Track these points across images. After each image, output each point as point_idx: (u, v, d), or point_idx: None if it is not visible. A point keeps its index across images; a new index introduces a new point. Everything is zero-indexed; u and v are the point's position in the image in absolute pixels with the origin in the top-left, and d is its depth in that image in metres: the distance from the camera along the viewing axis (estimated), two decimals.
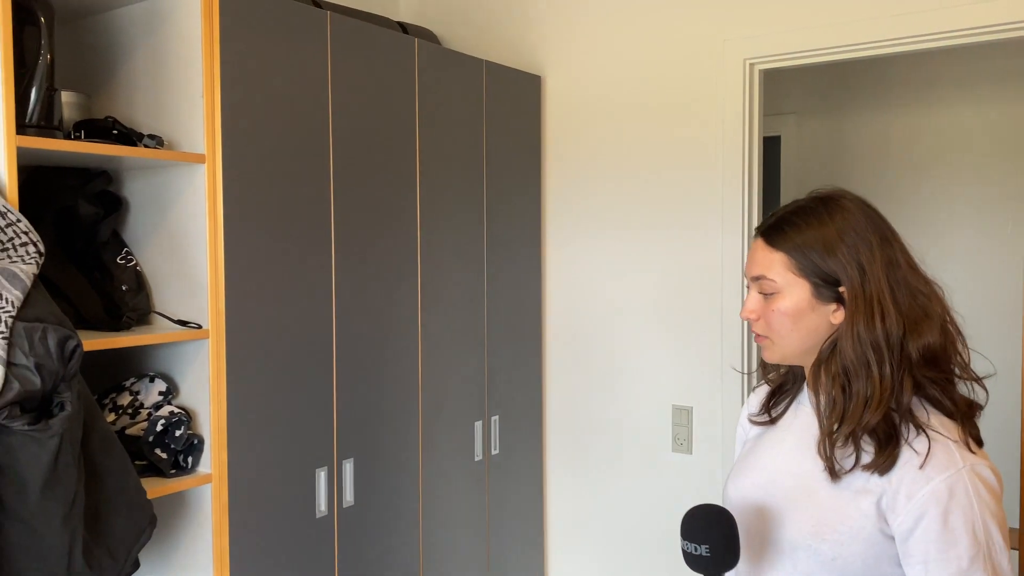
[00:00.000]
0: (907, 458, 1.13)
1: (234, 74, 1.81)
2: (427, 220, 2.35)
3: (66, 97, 1.74)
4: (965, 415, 1.18)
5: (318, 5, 2.25)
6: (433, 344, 2.39)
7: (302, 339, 1.99)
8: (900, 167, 3.72)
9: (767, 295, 1.24)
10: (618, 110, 2.70)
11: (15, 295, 1.36)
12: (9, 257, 1.42)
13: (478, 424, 2.58)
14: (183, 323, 1.81)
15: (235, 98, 1.81)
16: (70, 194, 1.84)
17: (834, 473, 1.18)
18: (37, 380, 1.35)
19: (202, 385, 1.83)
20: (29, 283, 1.38)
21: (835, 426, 1.18)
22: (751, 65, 2.49)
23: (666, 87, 2.61)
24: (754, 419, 1.38)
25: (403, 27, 2.63)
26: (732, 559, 1.15)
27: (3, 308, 1.34)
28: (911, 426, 1.15)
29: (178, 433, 1.77)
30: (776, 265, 1.23)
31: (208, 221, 1.80)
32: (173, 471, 1.78)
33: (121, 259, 1.90)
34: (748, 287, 1.27)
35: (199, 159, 1.78)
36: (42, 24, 1.56)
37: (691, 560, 1.16)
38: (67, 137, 1.69)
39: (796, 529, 1.20)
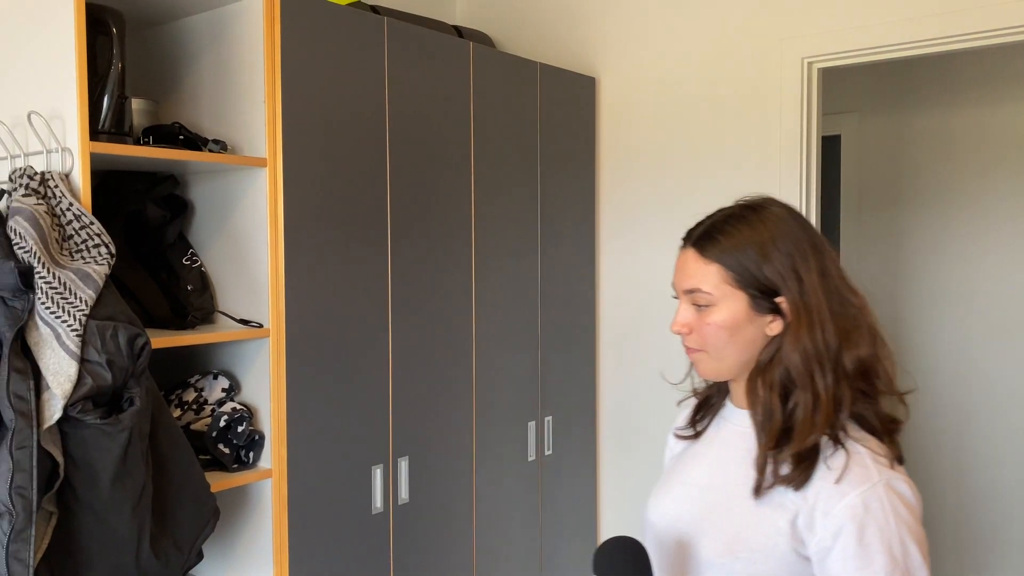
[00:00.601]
0: (822, 473, 1.09)
1: (295, 80, 1.85)
2: (481, 221, 2.38)
3: (135, 104, 1.81)
4: (888, 431, 1.14)
5: (375, 11, 2.30)
6: (487, 344, 2.41)
7: (359, 338, 2.03)
8: (965, 167, 3.62)
9: (700, 307, 1.18)
10: (673, 111, 2.69)
11: (88, 294, 1.42)
12: (83, 258, 1.48)
13: (531, 424, 2.60)
14: (245, 322, 1.87)
15: (295, 103, 1.86)
16: (139, 198, 1.91)
17: (760, 489, 1.13)
18: (108, 376, 1.40)
19: (263, 382, 1.88)
20: (101, 283, 1.44)
21: (776, 441, 1.12)
22: (809, 64, 2.45)
23: (722, 87, 2.59)
24: (679, 433, 1.34)
25: (458, 31, 2.66)
26: None
27: (77, 307, 1.40)
28: (830, 441, 1.10)
29: (240, 429, 1.82)
30: (711, 277, 1.16)
31: (269, 223, 1.84)
32: (235, 466, 1.83)
33: (186, 260, 1.96)
34: (679, 299, 1.22)
35: (261, 163, 1.83)
36: (114, 34, 1.63)
37: None
38: (136, 143, 1.76)
39: (711, 547, 1.16)
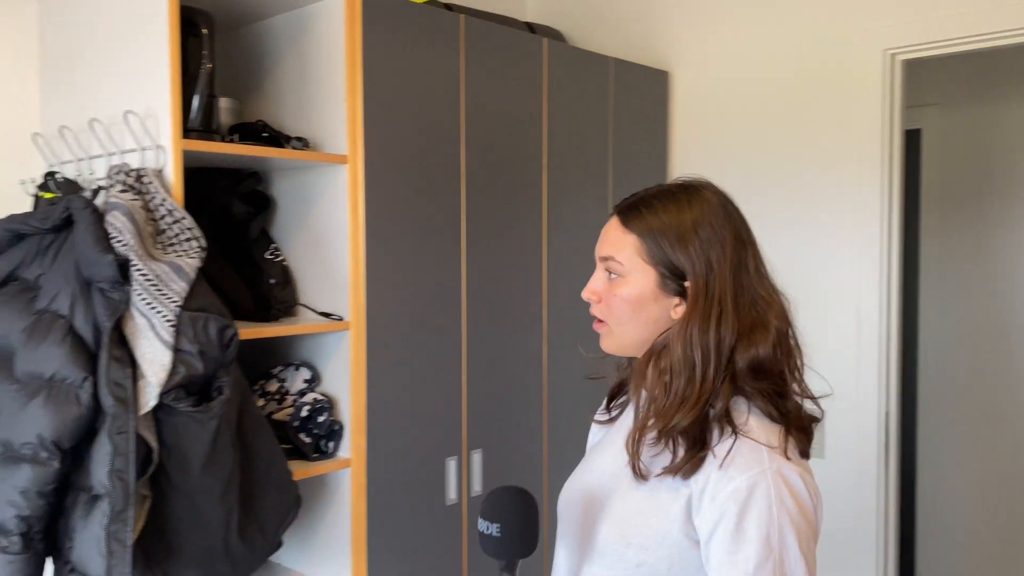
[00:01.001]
0: (711, 460, 1.06)
1: (374, 77, 1.89)
2: (553, 217, 2.38)
3: (222, 103, 1.87)
4: (795, 425, 1.10)
5: (449, 8, 2.32)
6: (558, 339, 2.41)
7: (434, 332, 2.05)
8: None
9: (612, 277, 1.17)
10: (748, 106, 2.65)
11: (181, 287, 1.47)
12: (175, 252, 1.54)
13: None
14: (326, 315, 1.91)
15: (375, 100, 1.89)
16: (224, 194, 1.97)
17: (638, 472, 1.11)
18: (200, 365, 1.46)
19: (343, 374, 1.92)
20: (193, 276, 1.50)
21: (651, 423, 1.11)
22: (892, 55, 2.39)
23: (800, 81, 2.54)
24: (597, 419, 1.33)
25: (531, 27, 2.67)
26: (526, 543, 1.07)
27: (171, 299, 1.45)
28: (722, 428, 1.08)
29: (321, 419, 1.87)
30: (626, 248, 1.15)
31: (350, 219, 1.88)
32: (315, 455, 1.88)
33: (269, 255, 2.01)
34: (596, 266, 1.20)
35: (342, 160, 1.87)
36: (204, 35, 1.68)
37: (484, 542, 1.08)
38: (222, 141, 1.81)
39: (605, 533, 1.14)
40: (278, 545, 1.70)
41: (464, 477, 2.14)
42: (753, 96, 2.63)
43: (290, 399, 1.93)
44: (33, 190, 1.85)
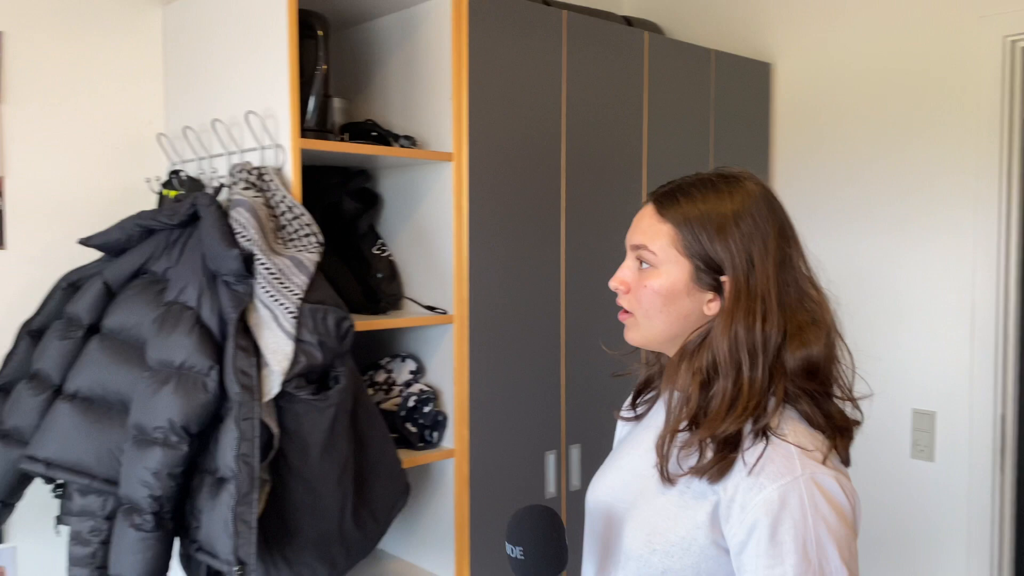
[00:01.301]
0: (740, 466, 1.00)
1: (479, 75, 1.92)
2: None
3: (334, 103, 1.93)
4: (838, 430, 1.04)
5: (547, 3, 2.33)
6: None
7: (534, 327, 2.08)
8: None
9: (643, 267, 1.11)
10: (856, 97, 2.57)
11: (302, 280, 1.53)
12: (295, 247, 1.60)
13: None
14: (431, 309, 1.95)
15: (479, 98, 1.92)
16: (334, 191, 2.04)
17: (665, 476, 1.05)
18: (319, 355, 1.51)
19: (446, 366, 1.96)
20: (313, 270, 1.56)
21: (683, 425, 1.05)
22: (1012, 42, 2.28)
23: (910, 70, 2.45)
24: (622, 415, 1.28)
25: (628, 20, 2.66)
26: (551, 564, 1.03)
27: (292, 291, 1.51)
28: (752, 433, 1.01)
29: (426, 409, 1.91)
30: (661, 237, 1.09)
31: (454, 214, 1.92)
32: (420, 444, 1.93)
33: (376, 250, 2.07)
34: (627, 254, 1.15)
35: (447, 157, 1.91)
36: (319, 37, 1.74)
37: (512, 565, 1.05)
38: (336, 140, 1.87)
39: (632, 537, 1.09)
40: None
41: (563, 471, 2.15)
42: (861, 87, 2.56)
43: (396, 389, 1.98)
44: (157, 188, 1.95)
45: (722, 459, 1.00)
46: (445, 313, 1.94)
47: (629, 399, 1.29)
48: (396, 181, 2.08)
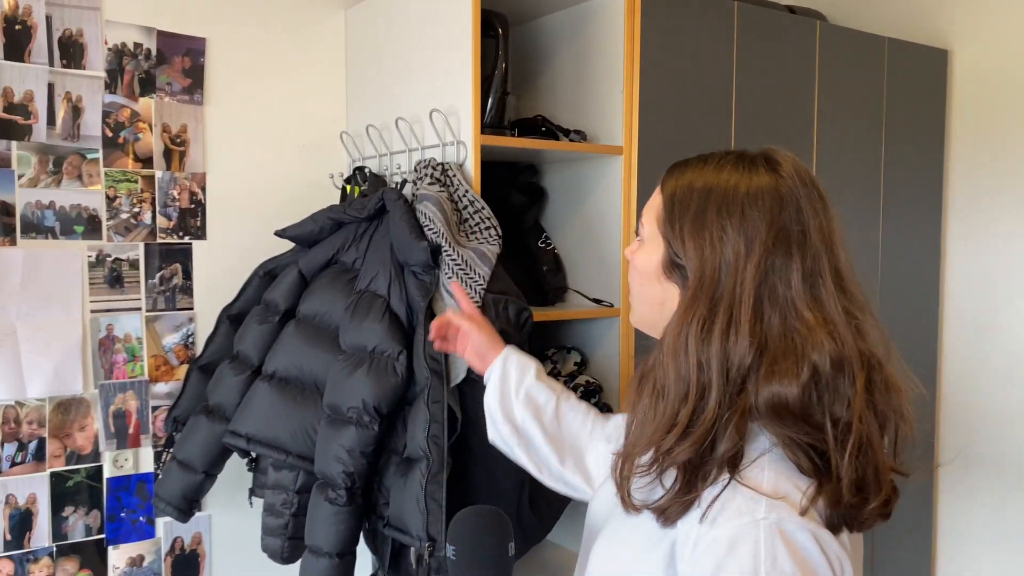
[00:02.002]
0: (697, 504, 0.85)
1: (651, 69, 1.92)
2: None
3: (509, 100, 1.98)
4: (846, 487, 0.82)
5: None
6: None
7: None
8: None
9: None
10: None
11: (485, 271, 1.59)
12: (477, 239, 1.66)
13: None
14: (598, 301, 1.98)
15: (651, 91, 1.92)
16: (503, 186, 2.09)
17: (626, 502, 0.91)
18: None
19: (611, 360, 1.98)
20: (494, 261, 1.61)
21: (634, 448, 0.90)
22: None
23: None
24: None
25: (791, 9, 2.59)
26: (485, 568, 0.95)
27: (477, 282, 1.57)
28: (720, 467, 0.85)
29: (593, 401, 1.93)
30: (652, 210, 0.98)
31: (622, 208, 1.93)
32: None
33: (541, 243, 2.11)
34: None
35: (617, 151, 1.92)
36: (499, 36, 1.79)
37: (448, 563, 0.97)
38: (512, 135, 1.93)
39: (595, 567, 0.97)
40: None
41: None
42: None
43: (561, 380, 2.02)
44: (340, 183, 2.07)
45: (679, 499, 0.85)
46: (611, 306, 1.96)
47: None
48: (562, 175, 2.12)
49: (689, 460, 0.85)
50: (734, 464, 0.84)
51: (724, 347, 0.85)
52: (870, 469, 0.84)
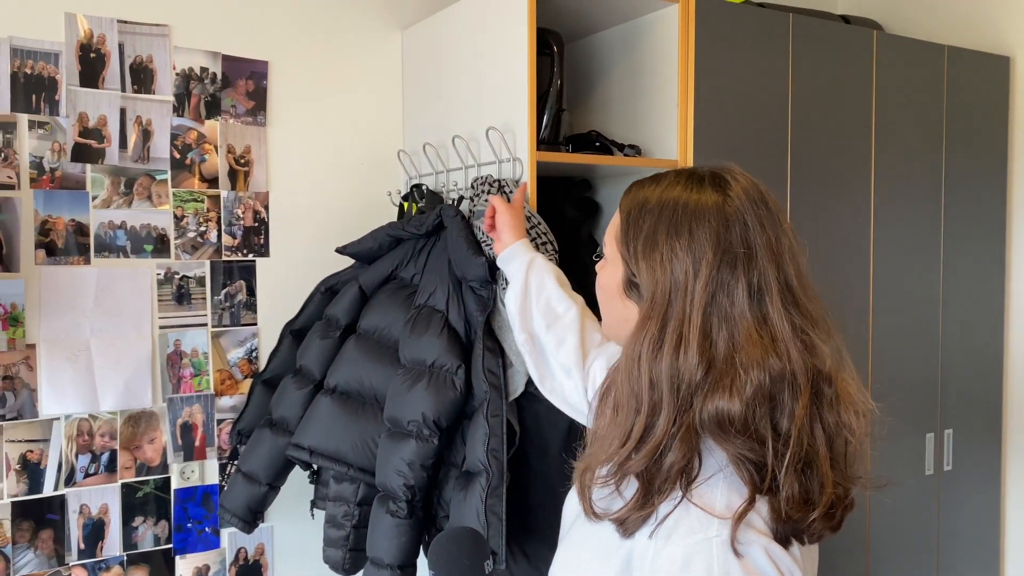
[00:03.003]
0: (654, 517, 0.86)
1: (705, 82, 1.92)
2: (881, 213, 2.27)
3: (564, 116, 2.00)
4: (788, 498, 0.83)
5: (762, 7, 2.30)
6: (883, 346, 2.29)
7: None
8: None
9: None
10: None
11: None
12: None
13: (929, 436, 2.42)
14: None
15: (705, 105, 1.92)
16: (557, 200, 2.11)
17: (588, 511, 0.92)
18: None
19: None
20: None
21: (594, 457, 0.93)
22: None
23: None
24: None
25: (845, 19, 2.56)
26: None
27: None
28: (674, 483, 0.86)
29: None
30: (611, 229, 1.00)
31: None
32: None
33: (595, 257, 2.11)
34: None
35: (672, 165, 1.93)
36: (555, 53, 1.81)
37: None
38: (566, 151, 1.94)
39: (558, 564, 1.00)
40: None
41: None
42: None
43: None
44: (398, 200, 2.10)
45: (635, 512, 0.87)
46: None
47: None
48: (617, 190, 2.12)
49: (642, 473, 0.87)
50: (688, 480, 0.86)
51: (674, 364, 0.87)
52: (815, 483, 0.85)
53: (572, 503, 1.09)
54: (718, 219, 0.91)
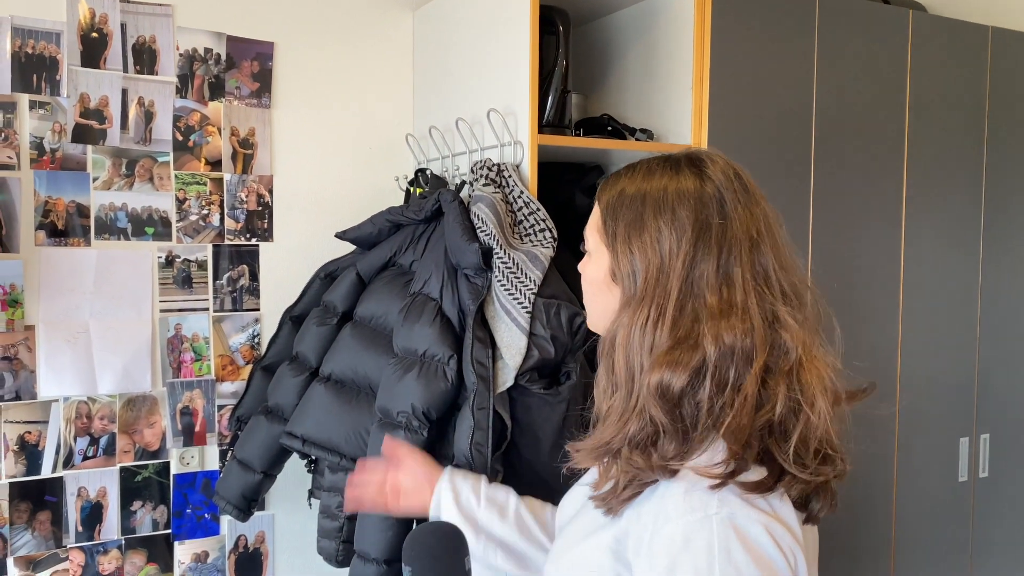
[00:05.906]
0: (647, 494, 0.89)
1: (722, 65, 1.83)
2: (913, 203, 2.15)
3: (571, 99, 1.92)
4: (791, 474, 0.86)
5: None
6: (914, 346, 2.17)
7: None
8: None
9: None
10: None
11: (536, 274, 1.54)
12: (531, 242, 1.61)
13: (964, 441, 2.29)
14: None
15: (721, 88, 1.83)
16: (567, 187, 2.03)
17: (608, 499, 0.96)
18: (552, 350, 1.51)
19: None
20: (547, 264, 1.56)
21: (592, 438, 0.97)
22: None
23: None
24: None
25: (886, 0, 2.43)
26: None
27: (527, 285, 1.52)
28: (663, 458, 0.89)
29: None
30: (592, 222, 1.03)
31: None
32: None
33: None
34: None
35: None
36: (560, 33, 1.74)
37: None
38: (573, 135, 1.87)
39: (551, 554, 1.04)
40: None
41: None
42: None
43: None
44: (404, 185, 2.05)
45: (623, 489, 0.91)
46: None
47: None
48: None
49: (621, 449, 0.91)
50: (662, 455, 0.88)
51: (653, 339, 0.91)
52: (783, 453, 0.87)
53: (572, 497, 1.14)
54: (696, 198, 0.94)
